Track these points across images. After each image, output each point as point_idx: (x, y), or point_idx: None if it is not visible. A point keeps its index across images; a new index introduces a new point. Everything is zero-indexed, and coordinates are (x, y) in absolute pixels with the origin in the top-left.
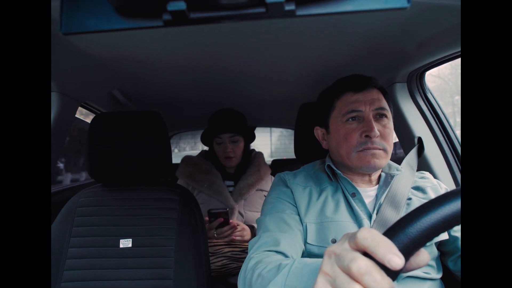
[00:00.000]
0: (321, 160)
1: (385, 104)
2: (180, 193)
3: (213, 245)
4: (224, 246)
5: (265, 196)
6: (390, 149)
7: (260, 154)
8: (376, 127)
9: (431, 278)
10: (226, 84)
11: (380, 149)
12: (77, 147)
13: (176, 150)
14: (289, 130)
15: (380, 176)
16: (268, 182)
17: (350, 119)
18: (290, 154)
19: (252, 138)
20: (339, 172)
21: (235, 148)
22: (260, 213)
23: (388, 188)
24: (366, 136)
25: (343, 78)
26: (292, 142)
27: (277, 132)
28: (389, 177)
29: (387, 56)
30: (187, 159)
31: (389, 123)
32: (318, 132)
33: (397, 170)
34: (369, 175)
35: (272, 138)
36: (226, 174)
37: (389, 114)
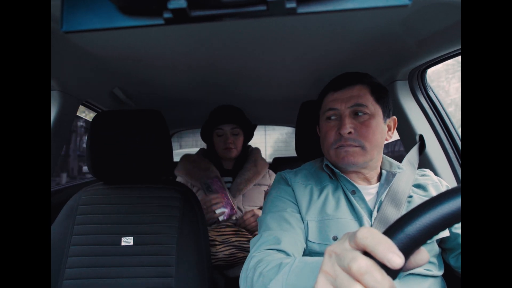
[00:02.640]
0: (321, 158)
1: (366, 100)
2: (181, 191)
3: (221, 234)
4: (231, 236)
5: (264, 191)
6: (371, 146)
7: (256, 150)
8: (352, 124)
9: (433, 275)
10: (227, 82)
11: (355, 146)
12: None
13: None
14: (284, 134)
15: (381, 174)
16: (266, 176)
17: (331, 117)
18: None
19: (251, 134)
20: (337, 171)
21: (236, 140)
22: (259, 207)
23: (389, 186)
24: (340, 133)
25: (334, 77)
26: (289, 144)
27: (273, 135)
28: (391, 175)
29: (388, 54)
30: (186, 157)
31: (371, 119)
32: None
33: (398, 168)
34: (363, 173)
35: (267, 140)
36: (224, 170)
37: (371, 110)
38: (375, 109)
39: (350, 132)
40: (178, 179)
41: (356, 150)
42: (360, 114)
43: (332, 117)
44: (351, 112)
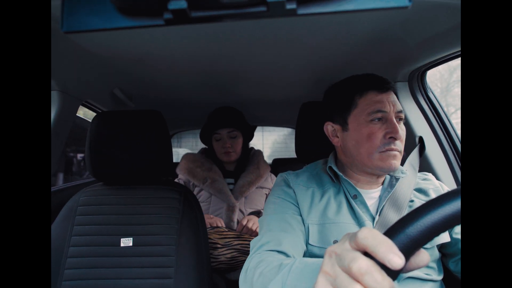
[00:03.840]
0: (323, 160)
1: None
2: (181, 192)
3: (223, 237)
4: (233, 239)
5: (265, 194)
6: (403, 151)
7: (259, 152)
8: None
9: (432, 279)
10: (227, 83)
11: (398, 151)
12: None
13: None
14: (282, 136)
15: (384, 178)
16: (267, 179)
17: (376, 120)
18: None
19: (251, 135)
20: (340, 174)
21: (234, 144)
22: (260, 209)
23: (393, 191)
24: (390, 137)
25: (361, 75)
26: (288, 146)
27: (270, 137)
28: (394, 179)
29: (388, 55)
30: (188, 156)
31: (403, 125)
32: (329, 128)
33: (402, 172)
34: (378, 177)
35: (264, 142)
36: (226, 172)
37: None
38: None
39: (400, 138)
40: (180, 178)
41: (399, 154)
42: (401, 120)
43: (380, 119)
44: (396, 117)
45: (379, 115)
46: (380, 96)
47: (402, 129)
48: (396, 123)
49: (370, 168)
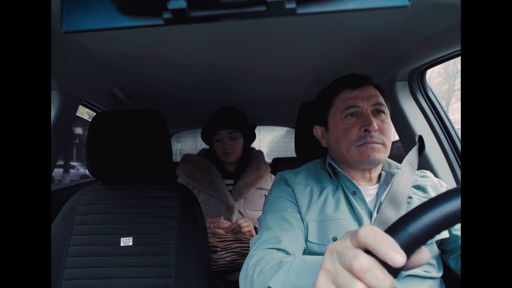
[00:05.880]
0: (322, 158)
1: (382, 100)
2: (180, 191)
3: (223, 240)
4: (233, 242)
5: (265, 195)
6: (389, 144)
7: (260, 153)
8: (375, 122)
9: (432, 276)
10: (227, 82)
11: (379, 143)
12: None
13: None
14: (278, 136)
15: (380, 174)
16: (268, 180)
17: (349, 115)
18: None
19: (253, 137)
20: (340, 170)
21: (234, 145)
22: (260, 211)
23: (389, 187)
24: (365, 130)
25: (340, 77)
26: (288, 145)
27: (266, 138)
28: (389, 175)
29: (388, 55)
30: (187, 157)
31: (387, 118)
32: (317, 130)
33: (397, 168)
34: (369, 172)
35: (260, 141)
36: (226, 173)
37: (387, 110)
38: (387, 109)
39: (376, 130)
40: (180, 180)
41: (380, 147)
42: (380, 112)
43: (353, 115)
44: (373, 110)
45: (352, 110)
46: (354, 93)
47: (381, 121)
48: (371, 116)
49: (352, 163)
